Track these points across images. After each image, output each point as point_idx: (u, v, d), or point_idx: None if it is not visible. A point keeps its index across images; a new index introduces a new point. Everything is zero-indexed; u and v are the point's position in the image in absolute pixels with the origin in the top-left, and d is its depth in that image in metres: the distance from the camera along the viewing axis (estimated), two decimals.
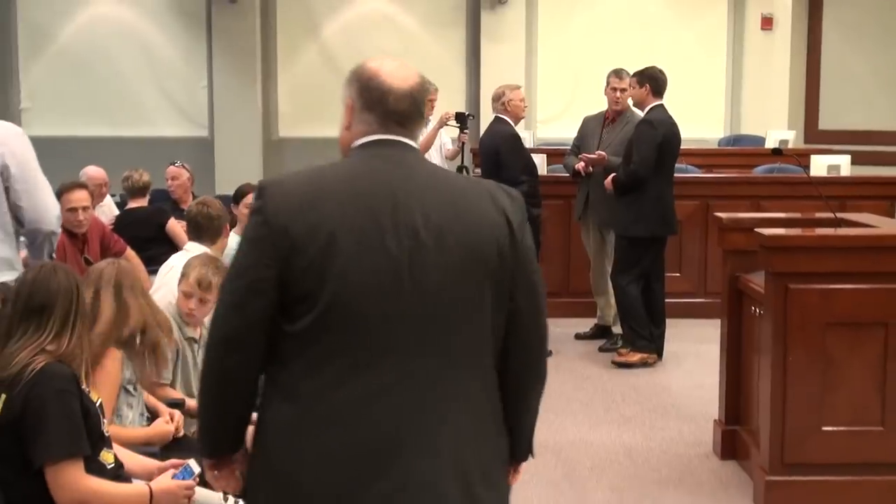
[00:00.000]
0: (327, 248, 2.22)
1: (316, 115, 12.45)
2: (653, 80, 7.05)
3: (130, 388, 3.66)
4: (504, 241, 2.33)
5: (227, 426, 2.39)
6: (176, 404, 3.95)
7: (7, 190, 3.89)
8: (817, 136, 12.08)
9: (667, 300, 7.25)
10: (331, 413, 2.23)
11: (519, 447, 2.53)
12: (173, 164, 7.96)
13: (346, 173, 2.37)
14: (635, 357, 7.14)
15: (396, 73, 2.41)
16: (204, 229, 5.01)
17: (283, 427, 2.28)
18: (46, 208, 4.00)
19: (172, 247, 6.38)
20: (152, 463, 3.31)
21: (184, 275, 4.19)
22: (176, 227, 6.87)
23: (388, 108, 2.38)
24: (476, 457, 2.33)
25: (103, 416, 3.14)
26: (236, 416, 2.37)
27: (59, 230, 4.12)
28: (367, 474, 2.21)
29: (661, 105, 7.06)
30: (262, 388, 2.33)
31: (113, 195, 10.01)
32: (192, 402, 4.07)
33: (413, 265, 2.25)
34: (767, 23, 12.31)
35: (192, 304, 4.13)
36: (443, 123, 8.78)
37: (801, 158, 9.29)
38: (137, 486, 3.11)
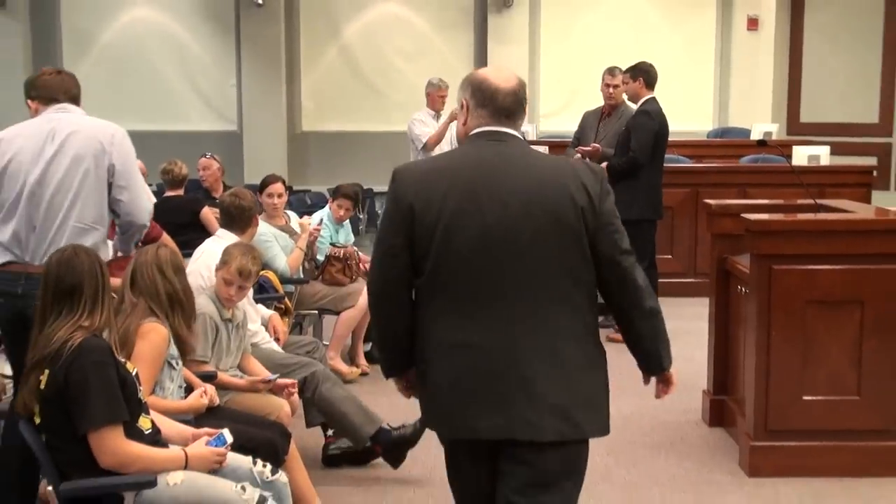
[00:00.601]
0: (438, 218, 2.68)
1: (336, 110, 12.47)
2: (644, 74, 7.05)
3: (173, 362, 3.67)
4: (584, 206, 2.69)
5: (393, 355, 2.91)
6: (208, 377, 3.97)
7: (110, 186, 3.95)
8: (799, 129, 12.08)
9: (659, 280, 7.24)
10: (438, 339, 2.72)
11: (648, 363, 3.15)
12: (204, 155, 7.97)
13: (457, 158, 2.88)
14: None
15: (501, 76, 2.82)
16: (235, 219, 5.02)
17: (429, 353, 2.76)
18: (142, 205, 4.04)
19: (205, 232, 6.39)
20: (188, 430, 3.33)
21: (224, 262, 4.18)
22: (209, 214, 6.87)
23: (497, 104, 2.78)
24: (561, 372, 2.77)
25: (139, 385, 3.16)
26: (399, 348, 2.86)
27: (148, 225, 4.15)
28: (483, 384, 2.67)
29: (654, 98, 7.06)
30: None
31: (150, 185, 10.06)
32: (223, 376, 4.08)
33: (504, 229, 2.67)
34: (753, 24, 12.27)
35: (231, 291, 4.14)
36: (454, 117, 8.73)
37: (784, 149, 9.32)
38: (174, 451, 3.13)
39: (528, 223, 2.68)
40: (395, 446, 4.52)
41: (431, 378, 2.77)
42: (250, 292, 4.83)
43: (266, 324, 4.95)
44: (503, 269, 2.68)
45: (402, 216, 2.73)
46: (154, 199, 4.23)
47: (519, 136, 2.83)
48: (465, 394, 2.69)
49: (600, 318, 8.36)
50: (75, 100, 4.12)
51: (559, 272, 2.72)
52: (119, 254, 4.31)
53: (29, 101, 4.14)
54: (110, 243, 4.30)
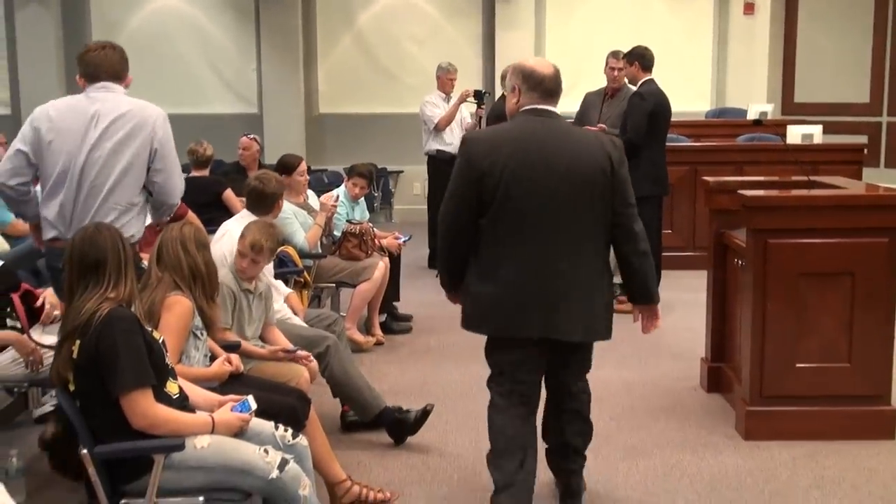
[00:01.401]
0: (501, 175, 3.39)
1: (351, 93, 12.42)
2: (640, 58, 7.02)
3: (198, 332, 3.68)
4: (607, 171, 3.47)
5: (454, 276, 3.62)
6: (232, 347, 3.98)
7: (150, 168, 4.04)
8: (793, 109, 12.00)
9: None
10: (504, 264, 3.43)
11: (635, 294, 3.75)
12: (246, 135, 7.95)
13: (515, 129, 3.53)
14: (629, 307, 7.11)
15: (544, 65, 3.61)
16: (258, 203, 5.00)
17: (479, 271, 3.50)
18: (175, 186, 4.13)
19: (227, 213, 6.38)
20: (214, 396, 3.34)
21: (242, 236, 4.20)
22: (231, 197, 6.87)
23: (544, 87, 3.55)
24: (588, 292, 3.51)
25: (166, 351, 3.17)
26: (460, 270, 3.58)
27: (178, 202, 4.23)
28: (535, 299, 3.42)
29: (652, 79, 7.01)
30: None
31: None
32: (246, 345, 4.09)
33: (549, 185, 3.41)
34: (749, 8, 12.18)
35: (244, 264, 4.14)
36: (463, 99, 8.74)
37: (779, 128, 9.28)
38: (201, 416, 3.14)
39: (568, 181, 3.42)
40: (396, 428, 4.54)
41: (495, 294, 3.45)
42: (271, 269, 4.83)
43: (285, 301, 4.96)
44: (548, 215, 3.42)
45: (474, 174, 3.42)
46: (183, 182, 4.27)
47: (557, 111, 3.55)
48: (522, 305, 3.43)
49: None
50: (118, 76, 4.13)
51: (587, 219, 3.47)
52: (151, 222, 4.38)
53: (77, 77, 4.17)
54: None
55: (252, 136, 7.97)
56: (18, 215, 4.34)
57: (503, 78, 7.50)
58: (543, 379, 3.67)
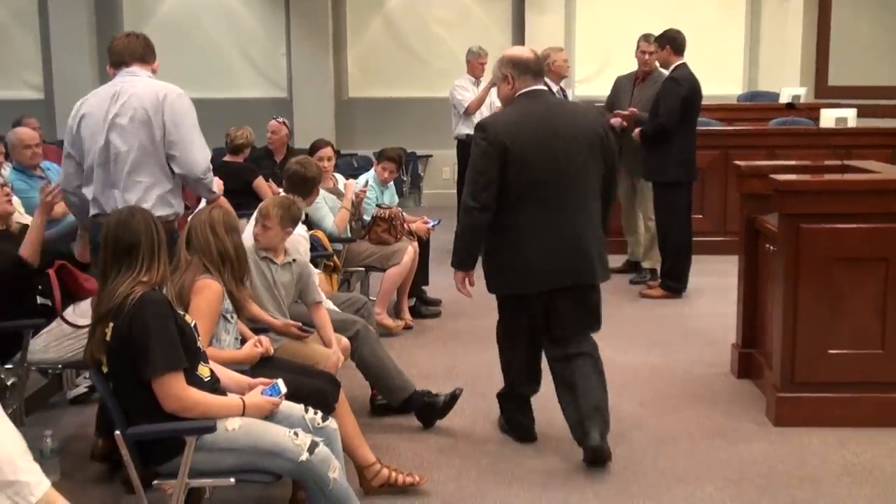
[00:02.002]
0: (521, 151, 3.89)
1: (381, 77, 12.42)
2: (672, 41, 6.94)
3: (228, 315, 3.70)
4: (602, 139, 4.07)
5: (473, 251, 4.09)
6: (262, 330, 4.00)
7: (164, 143, 4.09)
8: (827, 92, 11.84)
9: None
10: (526, 233, 3.98)
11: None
12: (275, 119, 7.97)
13: (522, 108, 4.01)
14: (659, 292, 7.11)
15: (525, 51, 4.14)
16: (298, 187, 5.05)
17: (501, 240, 4.02)
18: (195, 160, 4.13)
19: (258, 200, 6.40)
20: (244, 379, 3.36)
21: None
22: (262, 184, 6.89)
23: (532, 70, 4.06)
24: (597, 242, 4.10)
25: (197, 335, 3.19)
26: (479, 246, 4.08)
27: (208, 177, 4.22)
28: (561, 254, 4.00)
29: (685, 63, 6.94)
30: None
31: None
32: (260, 313, 4.11)
33: (564, 155, 3.95)
34: None
35: (256, 230, 4.22)
36: (493, 83, 8.69)
37: (812, 112, 9.18)
38: (232, 399, 3.16)
39: (575, 147, 3.98)
40: (425, 412, 4.55)
41: (523, 254, 3.99)
42: (305, 249, 4.84)
43: None
44: (563, 179, 3.95)
45: (497, 152, 3.90)
46: (208, 158, 4.27)
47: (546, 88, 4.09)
48: (550, 262, 3.99)
49: (632, 276, 8.42)
50: (143, 60, 4.25)
51: (592, 181, 4.05)
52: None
53: (108, 67, 4.32)
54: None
55: (281, 119, 8.00)
56: (81, 222, 4.45)
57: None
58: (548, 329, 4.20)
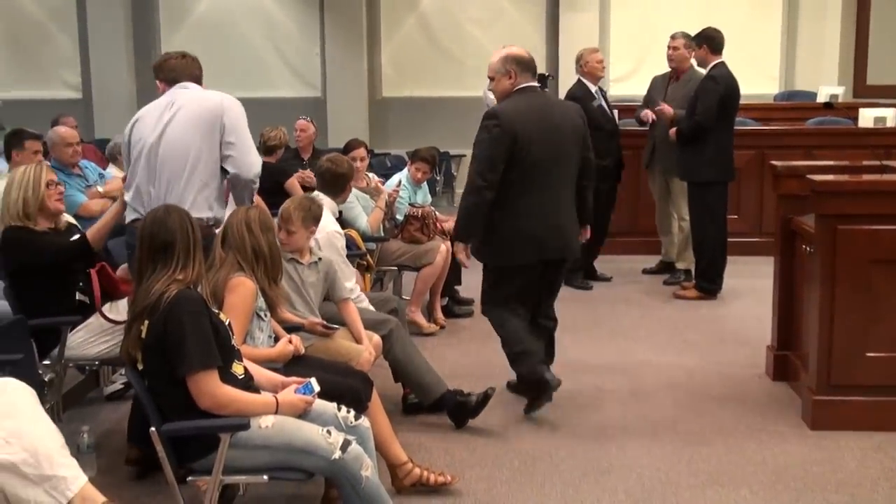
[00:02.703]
0: (528, 138, 4.41)
1: (415, 77, 12.45)
2: (708, 40, 6.90)
3: (262, 313, 3.73)
4: (583, 129, 4.70)
5: (476, 226, 4.54)
6: (295, 328, 4.03)
7: (221, 144, 4.19)
8: (865, 91, 11.69)
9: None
10: (523, 210, 4.48)
11: (584, 217, 4.81)
12: (303, 118, 8.01)
13: (525, 101, 4.51)
14: (694, 293, 7.06)
15: (524, 51, 4.62)
16: (329, 184, 5.06)
17: (503, 216, 4.48)
18: (251, 162, 4.24)
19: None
20: (278, 378, 3.38)
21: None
22: (294, 185, 6.92)
23: (531, 68, 4.61)
24: (575, 221, 4.72)
25: (231, 333, 3.21)
26: (482, 221, 4.50)
27: (257, 182, 4.32)
28: (550, 230, 4.55)
29: (723, 62, 6.89)
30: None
31: None
32: (287, 314, 4.13)
33: (558, 143, 4.53)
34: None
35: (282, 236, 4.20)
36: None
37: (851, 111, 9.07)
38: (266, 396, 3.18)
39: (566, 139, 4.57)
40: (457, 411, 4.55)
41: (523, 229, 4.50)
42: (342, 247, 4.86)
43: None
44: (556, 165, 4.53)
45: (509, 138, 4.39)
46: (260, 162, 4.37)
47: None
48: (543, 236, 4.53)
49: (666, 276, 8.35)
50: (197, 80, 4.42)
51: (573, 167, 4.63)
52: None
53: (157, 82, 4.44)
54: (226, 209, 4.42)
55: (308, 118, 8.01)
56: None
57: (576, 61, 7.49)
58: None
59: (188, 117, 4.17)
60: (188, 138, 4.15)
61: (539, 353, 4.67)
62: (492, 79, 4.65)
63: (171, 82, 4.36)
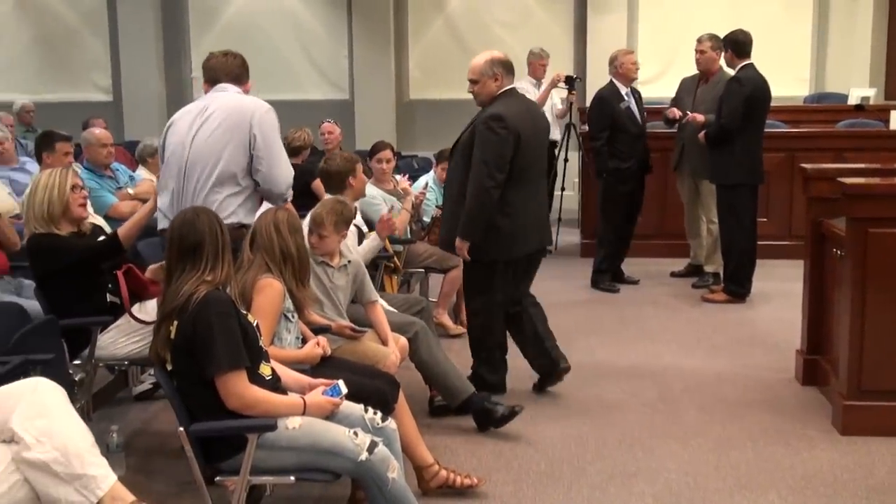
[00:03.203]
0: (526, 138, 4.68)
1: (442, 79, 12.44)
2: (734, 44, 6.86)
3: (289, 315, 3.75)
4: (548, 129, 5.26)
5: (484, 224, 4.69)
6: (322, 329, 4.04)
7: (252, 157, 4.21)
8: None
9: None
10: (519, 205, 4.74)
11: None
12: (328, 120, 8.03)
13: (516, 104, 4.79)
14: (722, 296, 7.02)
15: (504, 55, 4.88)
16: (329, 182, 5.07)
17: (501, 212, 4.69)
18: (279, 177, 4.27)
19: (316, 201, 6.45)
20: (305, 379, 3.39)
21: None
22: (320, 186, 6.93)
23: (512, 71, 4.86)
24: (547, 213, 5.22)
25: (259, 335, 3.23)
26: (488, 220, 4.69)
27: (289, 195, 4.36)
28: (540, 222, 4.96)
29: (751, 64, 6.84)
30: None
31: None
32: (340, 321, 4.15)
33: (542, 142, 4.96)
34: None
35: (312, 240, 4.20)
36: (554, 84, 8.70)
37: (882, 113, 8.99)
38: (293, 398, 3.20)
39: (542, 137, 5.00)
40: (482, 416, 4.55)
41: (518, 221, 4.73)
42: (353, 242, 4.86)
43: None
44: (539, 162, 4.91)
45: (514, 139, 4.63)
46: (291, 174, 4.39)
47: None
48: (534, 228, 4.86)
49: (694, 279, 8.30)
50: (238, 79, 4.42)
51: (545, 163, 5.10)
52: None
53: (203, 84, 4.51)
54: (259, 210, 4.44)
55: (333, 121, 8.03)
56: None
57: (609, 62, 7.48)
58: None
59: (218, 124, 4.20)
60: (217, 145, 4.18)
61: (553, 341, 5.07)
62: (475, 81, 4.80)
63: (212, 82, 4.40)
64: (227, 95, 4.32)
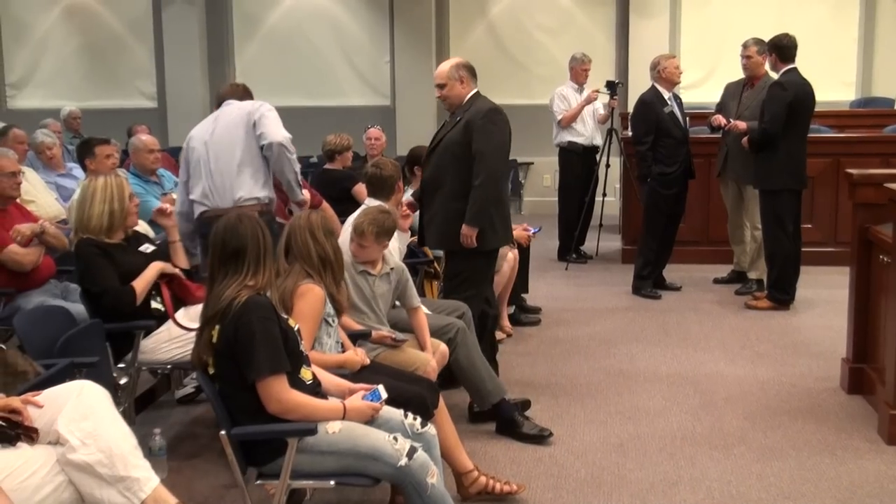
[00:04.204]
0: (510, 136, 5.02)
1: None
2: (776, 48, 6.78)
3: (329, 319, 3.76)
4: None
5: (490, 214, 4.90)
6: (361, 335, 4.06)
7: (255, 127, 5.02)
8: None
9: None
10: (503, 197, 5.09)
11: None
12: (372, 126, 8.06)
13: (492, 104, 5.01)
14: (766, 303, 6.94)
15: (470, 63, 5.10)
16: (378, 188, 5.04)
17: (500, 201, 5.01)
18: (276, 130, 5.02)
19: (357, 206, 6.48)
20: (346, 384, 3.40)
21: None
22: (361, 191, 6.95)
23: (476, 76, 5.08)
24: None
25: (300, 339, 3.25)
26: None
27: (291, 151, 5.05)
28: (508, 214, 5.13)
29: (794, 68, 6.76)
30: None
31: (310, 157, 10.30)
32: (349, 322, 4.15)
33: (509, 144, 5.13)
34: None
35: (353, 248, 4.23)
36: (590, 100, 8.73)
37: None
38: (334, 402, 3.21)
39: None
40: (507, 424, 4.53)
41: (505, 214, 5.02)
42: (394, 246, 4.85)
43: None
44: (508, 165, 5.23)
45: (509, 130, 4.97)
46: (288, 135, 5.06)
47: None
48: (509, 222, 5.13)
49: (737, 286, 8.22)
50: (241, 99, 5.28)
51: None
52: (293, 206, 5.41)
53: (213, 107, 5.46)
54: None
55: (379, 127, 8.07)
56: (183, 238, 4.97)
57: (651, 68, 7.45)
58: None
59: (229, 119, 5.09)
60: (232, 136, 5.03)
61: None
62: (443, 86, 5.02)
63: (220, 105, 5.30)
64: (232, 104, 5.21)
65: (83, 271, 4.32)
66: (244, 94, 5.33)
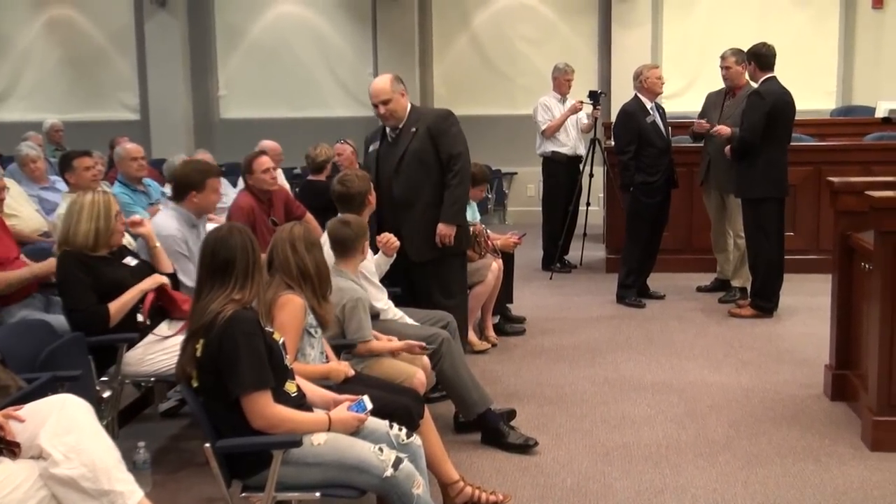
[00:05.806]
0: None
1: (466, 95, 12.47)
2: (755, 57, 6.83)
3: (312, 330, 3.75)
4: None
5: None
6: (345, 346, 4.05)
7: None
8: None
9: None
10: None
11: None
12: (339, 141, 8.08)
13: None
14: (749, 311, 6.97)
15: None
16: (345, 204, 4.87)
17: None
18: None
19: None
20: (330, 395, 3.40)
21: None
22: None
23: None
24: None
25: (285, 353, 3.24)
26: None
27: None
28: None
29: (773, 77, 6.80)
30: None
31: (294, 168, 10.28)
32: (397, 345, 4.19)
33: None
34: (878, 2, 11.72)
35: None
36: (574, 111, 8.75)
37: None
38: (318, 414, 3.20)
39: None
40: (492, 435, 4.54)
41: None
42: (372, 269, 4.78)
43: None
44: None
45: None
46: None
47: None
48: None
49: (721, 294, 8.27)
50: None
51: None
52: None
53: None
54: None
55: (344, 140, 8.03)
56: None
57: (634, 77, 7.49)
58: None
59: None
60: None
61: None
62: (387, 101, 5.08)
63: None
64: None
65: (60, 285, 4.30)
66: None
